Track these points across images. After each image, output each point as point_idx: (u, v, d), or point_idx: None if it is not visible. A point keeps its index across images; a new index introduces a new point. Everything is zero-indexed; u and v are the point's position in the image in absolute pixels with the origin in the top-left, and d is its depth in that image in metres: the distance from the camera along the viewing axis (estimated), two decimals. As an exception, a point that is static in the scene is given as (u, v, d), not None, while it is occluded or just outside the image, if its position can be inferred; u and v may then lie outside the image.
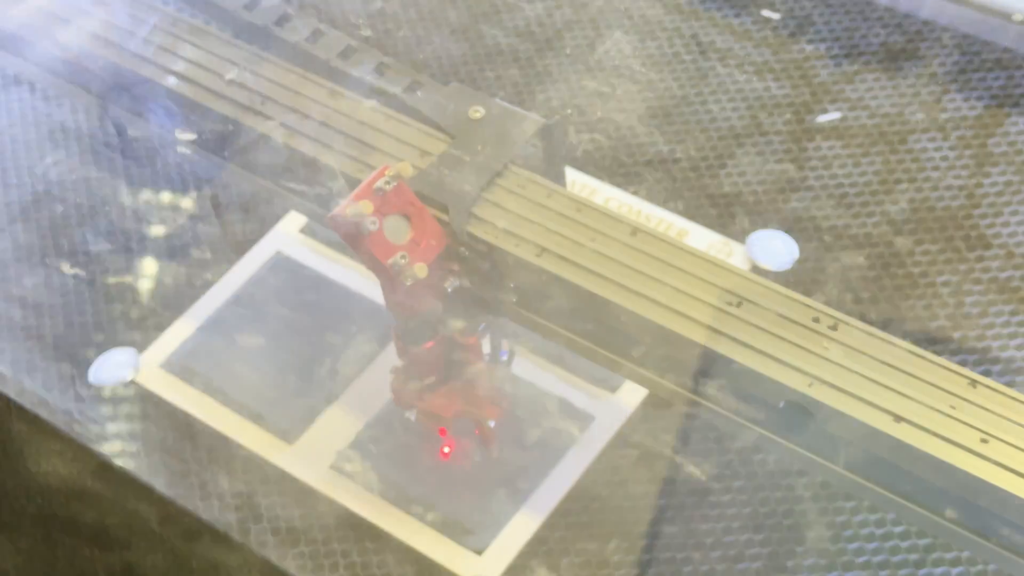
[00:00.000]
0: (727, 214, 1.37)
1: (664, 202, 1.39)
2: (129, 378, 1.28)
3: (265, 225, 1.40)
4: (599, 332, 1.02)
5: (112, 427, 1.24)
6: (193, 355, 1.29)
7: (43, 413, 1.25)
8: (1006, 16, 1.50)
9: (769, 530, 1.14)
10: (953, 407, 0.90)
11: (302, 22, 1.19)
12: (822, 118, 1.45)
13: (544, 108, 1.49)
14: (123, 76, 1.18)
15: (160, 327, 1.32)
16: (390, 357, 1.27)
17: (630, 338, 0.99)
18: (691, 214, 1.37)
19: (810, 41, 1.53)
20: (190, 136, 1.17)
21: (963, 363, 1.23)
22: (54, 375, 1.28)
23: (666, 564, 1.13)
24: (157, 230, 1.40)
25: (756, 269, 1.32)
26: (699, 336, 0.95)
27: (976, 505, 0.89)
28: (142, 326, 1.32)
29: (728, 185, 1.40)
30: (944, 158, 1.40)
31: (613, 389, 1.24)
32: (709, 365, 0.96)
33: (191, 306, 1.33)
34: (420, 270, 1.01)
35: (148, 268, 1.37)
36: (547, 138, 1.08)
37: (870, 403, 0.90)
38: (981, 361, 1.23)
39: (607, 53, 1.54)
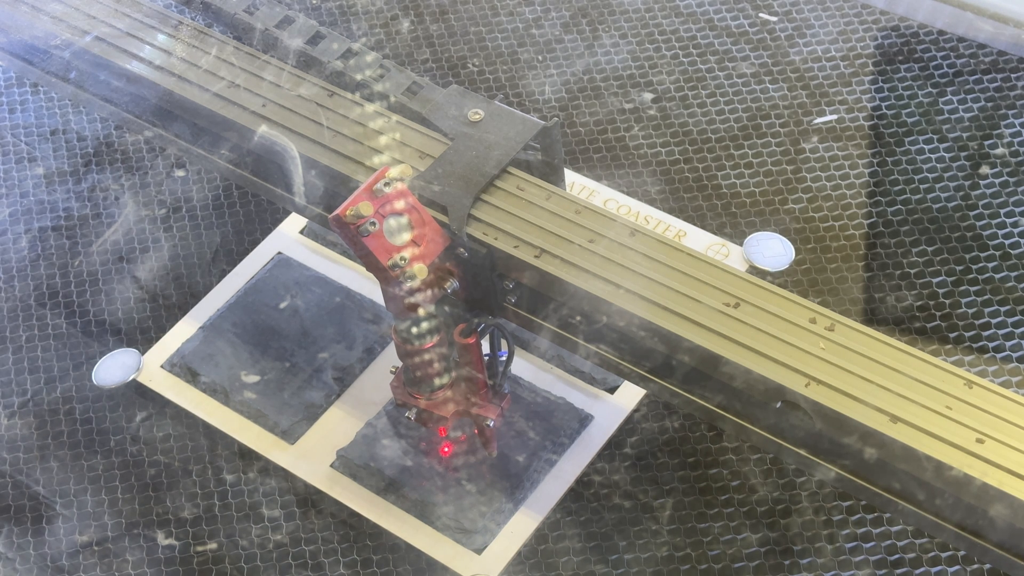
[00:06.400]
0: (725, 215, 1.38)
1: (662, 204, 1.39)
2: (131, 378, 1.29)
3: (266, 227, 1.40)
4: (596, 332, 1.02)
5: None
6: (195, 355, 1.30)
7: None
8: (1002, 20, 1.51)
9: (768, 529, 1.14)
10: (949, 407, 0.90)
11: (303, 25, 1.20)
12: (819, 120, 1.46)
13: (543, 110, 1.50)
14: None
15: (162, 328, 1.33)
16: (390, 357, 1.28)
17: (629, 339, 1.00)
18: (689, 216, 1.38)
19: (807, 44, 1.53)
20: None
21: (959, 364, 1.23)
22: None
23: (664, 562, 1.13)
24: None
25: (753, 270, 1.32)
26: (697, 337, 0.96)
27: (972, 505, 0.89)
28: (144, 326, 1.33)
29: (726, 187, 1.40)
30: (940, 160, 1.41)
31: (611, 389, 1.24)
32: (707, 366, 0.96)
33: (193, 306, 1.34)
34: (420, 271, 1.01)
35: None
36: (546, 140, 1.08)
37: (867, 403, 0.91)
38: (977, 362, 1.24)
39: (606, 55, 1.54)
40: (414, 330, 1.07)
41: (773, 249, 1.34)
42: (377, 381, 1.26)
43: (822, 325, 0.95)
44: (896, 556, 1.12)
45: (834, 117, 1.46)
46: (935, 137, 1.43)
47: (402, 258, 1.00)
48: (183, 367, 1.29)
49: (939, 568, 1.11)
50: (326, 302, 1.33)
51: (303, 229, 1.40)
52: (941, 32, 1.52)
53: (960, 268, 1.31)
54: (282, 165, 1.12)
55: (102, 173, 1.47)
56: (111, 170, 1.47)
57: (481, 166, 1.05)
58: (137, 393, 1.28)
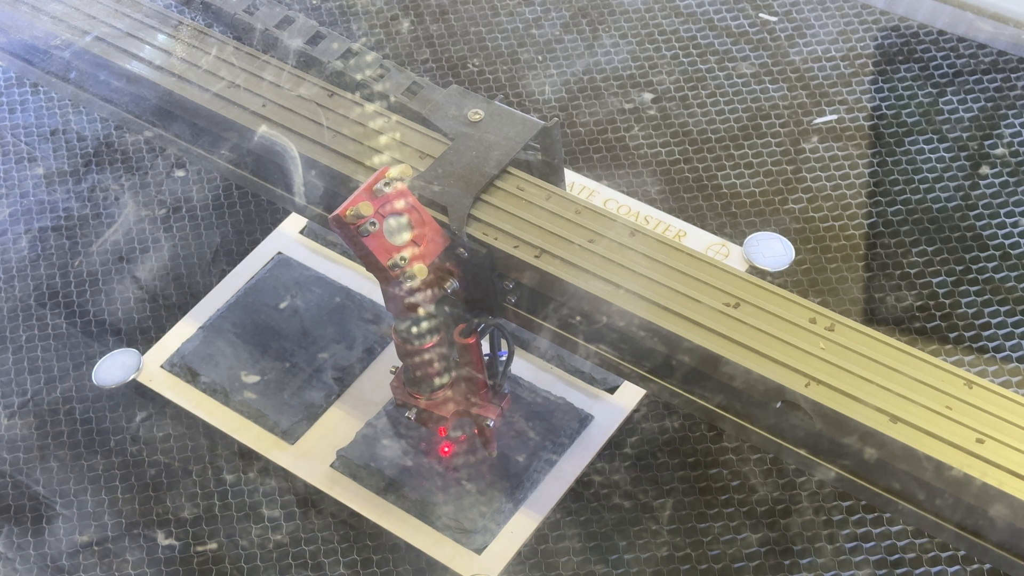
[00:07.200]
0: (725, 215, 1.38)
1: (662, 204, 1.39)
2: (131, 378, 1.29)
3: (266, 227, 1.40)
4: (596, 332, 1.02)
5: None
6: (195, 355, 1.30)
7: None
8: (1002, 20, 1.51)
9: (768, 529, 1.14)
10: (949, 407, 0.90)
11: (303, 25, 1.20)
12: (819, 120, 1.46)
13: (543, 110, 1.50)
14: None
15: (162, 328, 1.33)
16: (390, 357, 1.28)
17: (629, 339, 1.00)
18: (689, 216, 1.38)
19: (807, 44, 1.53)
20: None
21: (959, 364, 1.23)
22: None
23: (664, 562, 1.13)
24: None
25: (753, 270, 1.32)
26: (697, 337, 0.96)
27: (972, 505, 0.89)
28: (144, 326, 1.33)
29: (726, 187, 1.40)
30: (940, 160, 1.41)
31: (611, 389, 1.24)
32: (707, 366, 0.96)
33: (193, 306, 1.34)
34: (419, 271, 1.01)
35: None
36: (546, 140, 1.08)
37: (867, 403, 0.91)
38: (977, 362, 1.24)
39: (606, 55, 1.54)
40: (414, 330, 1.07)
41: (773, 249, 1.34)
42: (377, 381, 1.26)
43: (822, 325, 0.95)
44: (896, 556, 1.12)
45: (834, 117, 1.46)
46: (935, 137, 1.43)
47: (402, 258, 1.00)
48: (183, 367, 1.29)
49: (939, 568, 1.11)
50: (326, 302, 1.33)
51: (303, 229, 1.40)
52: (941, 32, 1.52)
53: (960, 268, 1.31)
54: (282, 165, 1.12)
55: (102, 173, 1.47)
56: (111, 170, 1.47)
57: (481, 166, 1.05)
58: (137, 393, 1.28)
